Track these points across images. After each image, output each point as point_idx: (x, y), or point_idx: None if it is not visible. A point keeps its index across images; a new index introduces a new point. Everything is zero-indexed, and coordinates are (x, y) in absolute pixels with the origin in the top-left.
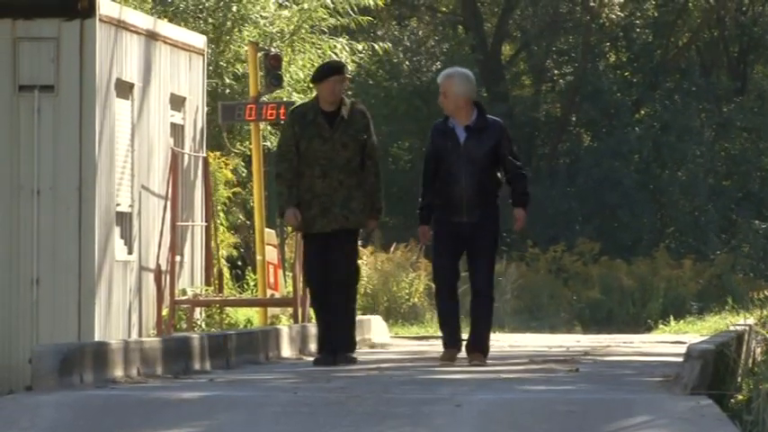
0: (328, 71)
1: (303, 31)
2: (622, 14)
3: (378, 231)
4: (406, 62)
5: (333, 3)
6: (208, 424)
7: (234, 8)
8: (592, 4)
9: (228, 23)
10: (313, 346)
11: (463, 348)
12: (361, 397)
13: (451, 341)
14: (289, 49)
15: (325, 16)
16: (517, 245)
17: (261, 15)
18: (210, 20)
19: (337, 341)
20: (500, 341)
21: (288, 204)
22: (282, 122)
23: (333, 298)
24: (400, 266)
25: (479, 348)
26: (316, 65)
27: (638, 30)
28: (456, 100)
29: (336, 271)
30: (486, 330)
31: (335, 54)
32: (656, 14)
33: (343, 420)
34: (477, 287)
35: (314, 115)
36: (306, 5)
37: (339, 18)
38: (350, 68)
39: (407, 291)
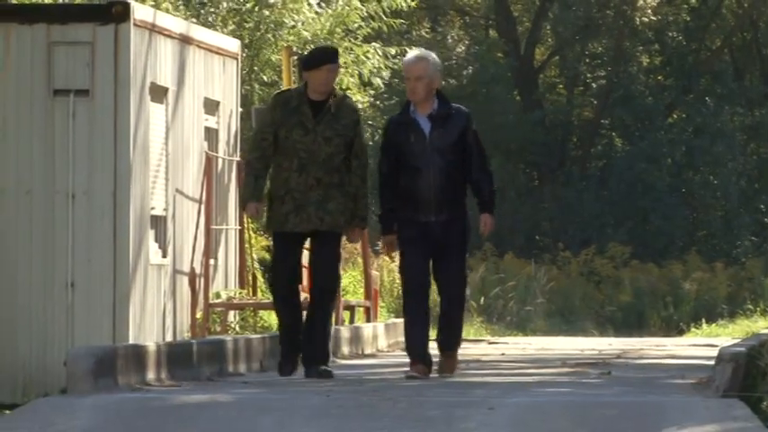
0: (322, 58)
1: (336, 36)
2: (655, 18)
3: None
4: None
5: (364, 6)
6: (241, 426)
7: (267, 13)
8: (624, 7)
9: (262, 28)
10: (346, 349)
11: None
12: (394, 400)
13: (419, 356)
14: None
15: (357, 21)
16: (549, 248)
17: (294, 20)
18: (245, 24)
19: (309, 353)
20: (532, 344)
21: (251, 197)
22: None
23: (309, 307)
24: None
25: (449, 356)
26: (350, 70)
27: (670, 33)
28: (430, 84)
29: (315, 278)
30: (456, 337)
31: (368, 59)
32: (688, 18)
33: (375, 423)
34: (447, 290)
35: (298, 102)
36: (339, 10)
37: (372, 22)
38: (384, 73)
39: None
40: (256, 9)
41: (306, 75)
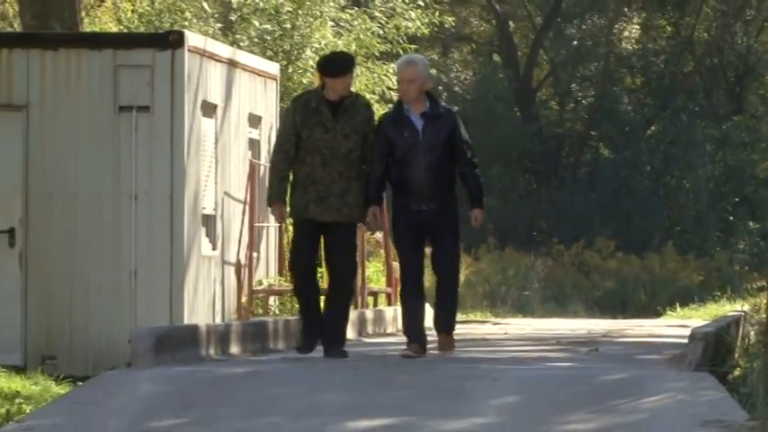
0: (347, 66)
1: (359, 57)
2: (638, 46)
3: None
4: (444, 92)
5: (384, 32)
6: (280, 393)
7: (295, 37)
8: (611, 36)
9: (294, 54)
10: (370, 329)
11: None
12: (412, 373)
13: (417, 338)
14: None
15: (377, 44)
16: (545, 242)
17: (320, 42)
18: (278, 47)
19: (329, 336)
20: (530, 325)
21: (276, 198)
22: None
23: (328, 293)
24: None
25: (446, 335)
26: (374, 89)
27: (650, 58)
28: (422, 86)
29: (332, 267)
30: (452, 315)
31: (387, 77)
32: (664, 43)
33: (395, 393)
34: (441, 272)
35: (317, 104)
36: (361, 36)
37: (390, 45)
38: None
39: None
40: (284, 37)
41: (328, 80)
